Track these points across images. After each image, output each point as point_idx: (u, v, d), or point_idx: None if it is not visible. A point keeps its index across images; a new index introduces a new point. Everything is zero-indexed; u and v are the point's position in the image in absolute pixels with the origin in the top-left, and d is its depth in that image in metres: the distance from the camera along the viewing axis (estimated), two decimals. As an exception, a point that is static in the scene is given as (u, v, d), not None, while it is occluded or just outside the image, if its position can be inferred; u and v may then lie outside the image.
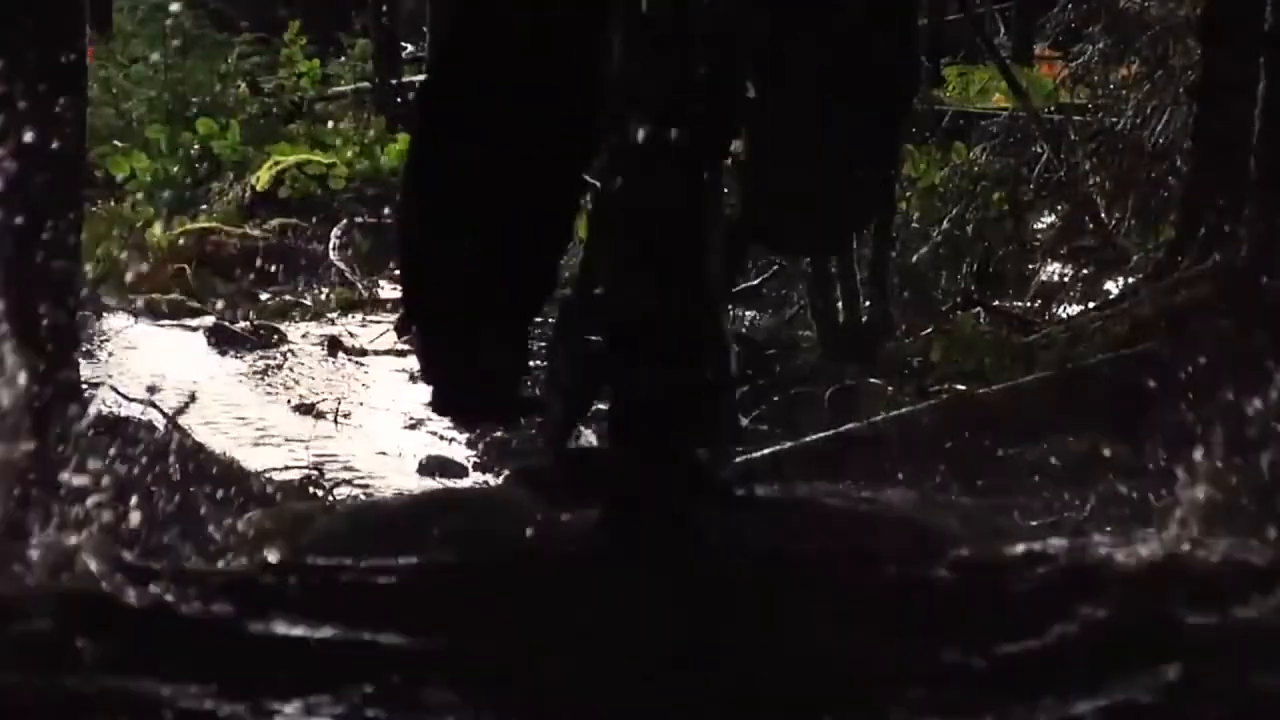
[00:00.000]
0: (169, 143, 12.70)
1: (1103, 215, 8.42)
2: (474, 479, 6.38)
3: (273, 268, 10.67)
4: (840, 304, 7.64)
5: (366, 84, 14.70)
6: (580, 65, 3.45)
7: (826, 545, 2.37)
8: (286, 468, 6.66)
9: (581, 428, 3.82)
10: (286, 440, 7.34)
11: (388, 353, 8.87)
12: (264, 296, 10.42)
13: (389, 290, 10.10)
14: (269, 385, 8.58)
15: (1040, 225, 8.99)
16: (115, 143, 12.62)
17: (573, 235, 3.61)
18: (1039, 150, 8.81)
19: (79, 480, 2.57)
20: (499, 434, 6.73)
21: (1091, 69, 9.01)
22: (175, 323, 9.70)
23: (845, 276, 7.54)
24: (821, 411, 6.51)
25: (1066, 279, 8.25)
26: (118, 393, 6.79)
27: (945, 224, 8.26)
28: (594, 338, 3.48)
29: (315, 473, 6.53)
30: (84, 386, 6.43)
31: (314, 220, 11.53)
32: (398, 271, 4.82)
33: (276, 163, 12.13)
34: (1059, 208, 8.85)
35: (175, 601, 2.06)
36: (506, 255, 3.57)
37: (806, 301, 7.79)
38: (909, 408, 6.18)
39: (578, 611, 2.07)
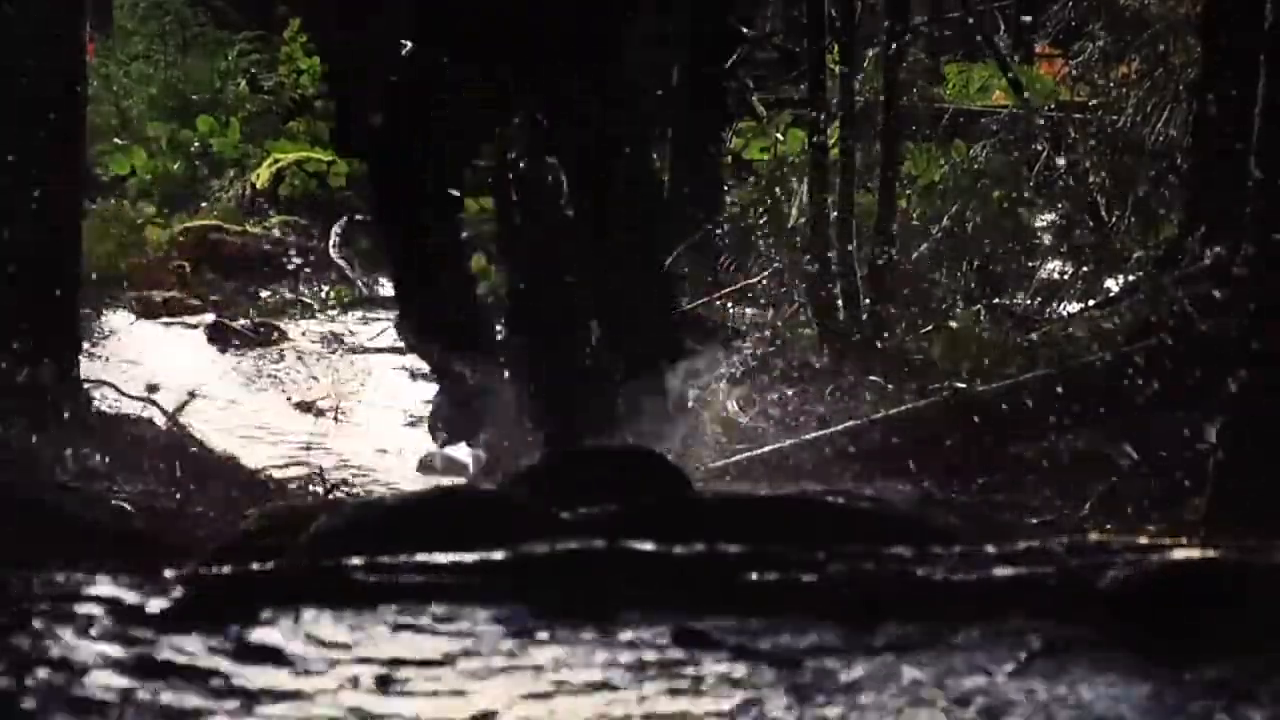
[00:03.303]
0: (169, 140, 12.71)
1: (1103, 213, 8.42)
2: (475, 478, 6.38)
3: (272, 265, 10.69)
4: (840, 302, 7.66)
5: (366, 81, 14.69)
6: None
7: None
8: (286, 465, 6.67)
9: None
10: (286, 438, 7.34)
11: (387, 350, 8.87)
12: (264, 294, 10.42)
13: (388, 288, 10.11)
14: (268, 383, 8.59)
15: (1040, 223, 8.99)
16: (116, 140, 12.62)
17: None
18: (1039, 148, 8.82)
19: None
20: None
21: (1092, 67, 9.01)
22: (175, 320, 9.70)
23: (845, 274, 7.55)
24: (821, 409, 6.51)
25: (1066, 277, 8.25)
26: (118, 390, 6.79)
27: (945, 221, 8.27)
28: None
29: (315, 470, 6.53)
30: (85, 384, 6.44)
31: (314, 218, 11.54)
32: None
33: (276, 160, 12.13)
34: (1059, 205, 8.86)
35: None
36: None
37: (806, 299, 7.80)
38: (909, 405, 6.18)
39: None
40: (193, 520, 4.88)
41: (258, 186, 12.00)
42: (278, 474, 6.37)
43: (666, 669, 1.96)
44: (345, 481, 6.34)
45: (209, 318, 9.60)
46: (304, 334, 9.53)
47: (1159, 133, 8.13)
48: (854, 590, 2.15)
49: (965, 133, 9.45)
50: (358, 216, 11.39)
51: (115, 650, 1.91)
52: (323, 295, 10.42)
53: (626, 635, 2.04)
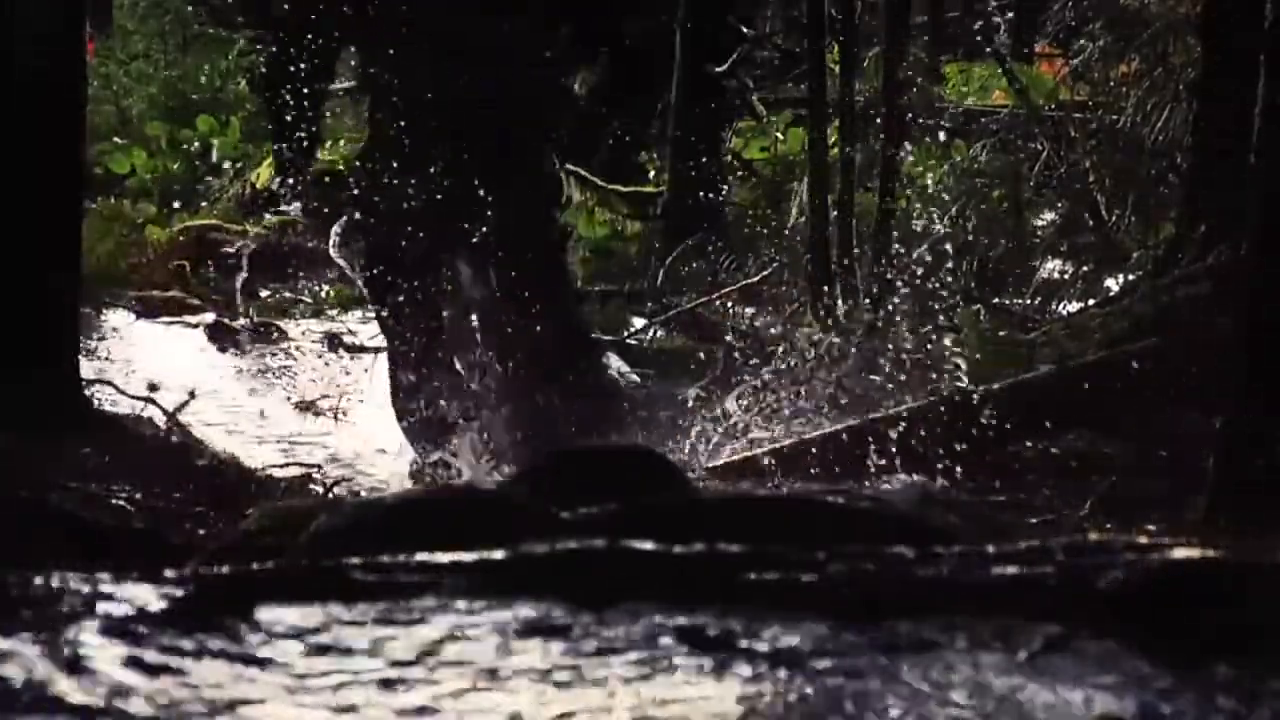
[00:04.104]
0: (169, 140, 12.70)
1: (1103, 212, 8.42)
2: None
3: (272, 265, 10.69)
4: (840, 301, 7.67)
5: (366, 81, 14.68)
6: None
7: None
8: (286, 464, 6.67)
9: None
10: (286, 437, 7.35)
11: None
12: (264, 293, 10.42)
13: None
14: (268, 382, 8.59)
15: (1040, 222, 9.00)
16: (115, 139, 12.62)
17: None
18: (1039, 148, 8.82)
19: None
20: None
21: (1092, 66, 9.02)
22: (175, 319, 9.70)
23: (846, 274, 7.56)
24: (820, 408, 6.52)
25: (1066, 276, 8.25)
26: (118, 390, 6.79)
27: (945, 221, 8.27)
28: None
29: (315, 469, 6.53)
30: (85, 384, 6.44)
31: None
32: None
33: (276, 159, 12.12)
34: (1059, 205, 8.86)
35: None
36: None
37: (807, 298, 7.80)
38: (910, 404, 6.18)
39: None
40: (193, 520, 4.89)
41: (257, 186, 12.00)
42: (278, 474, 6.37)
43: (666, 668, 1.96)
44: (344, 480, 6.34)
45: (209, 317, 9.60)
46: (304, 334, 9.53)
47: (1159, 133, 8.13)
48: (854, 590, 2.14)
49: (965, 133, 9.46)
50: (357, 216, 11.37)
51: (115, 650, 1.92)
52: (323, 295, 10.42)
53: (626, 634, 2.04)
